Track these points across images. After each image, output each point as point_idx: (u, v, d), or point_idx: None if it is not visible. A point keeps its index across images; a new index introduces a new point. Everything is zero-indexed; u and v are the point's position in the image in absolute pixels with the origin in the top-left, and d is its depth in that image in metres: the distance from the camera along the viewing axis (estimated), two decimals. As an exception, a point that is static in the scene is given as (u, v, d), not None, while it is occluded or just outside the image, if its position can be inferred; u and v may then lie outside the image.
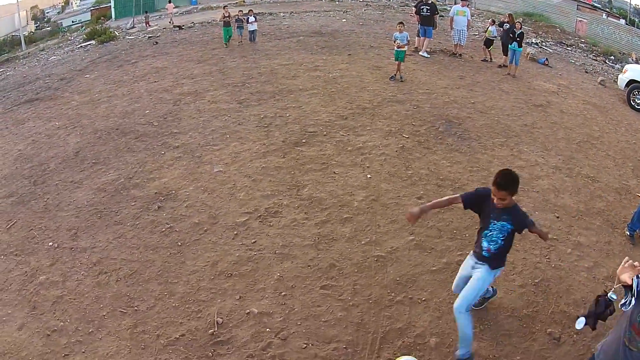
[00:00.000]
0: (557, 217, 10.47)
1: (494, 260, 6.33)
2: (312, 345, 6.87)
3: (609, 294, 4.71)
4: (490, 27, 23.03)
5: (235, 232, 9.20)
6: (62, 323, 7.35)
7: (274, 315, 7.34)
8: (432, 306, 7.65)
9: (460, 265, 7.87)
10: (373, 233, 9.22)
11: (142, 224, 9.58)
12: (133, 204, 10.24)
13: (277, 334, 7.02)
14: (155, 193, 10.51)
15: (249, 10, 25.03)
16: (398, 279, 8.12)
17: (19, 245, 9.26)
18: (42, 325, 7.34)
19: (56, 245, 9.13)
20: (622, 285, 4.47)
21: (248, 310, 7.41)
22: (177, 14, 44.40)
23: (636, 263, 4.03)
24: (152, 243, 9.01)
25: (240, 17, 24.06)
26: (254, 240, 8.96)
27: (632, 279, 4.29)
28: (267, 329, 7.10)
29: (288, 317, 7.31)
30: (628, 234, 10.31)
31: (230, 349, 6.80)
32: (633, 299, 4.30)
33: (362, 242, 8.95)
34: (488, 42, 23.01)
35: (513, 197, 6.09)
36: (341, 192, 10.47)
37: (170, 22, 38.02)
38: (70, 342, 7.02)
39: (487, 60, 22.75)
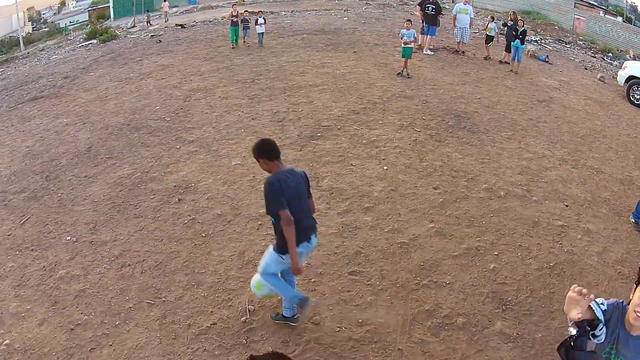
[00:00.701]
0: (567, 206, 10.96)
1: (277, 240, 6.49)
2: (344, 328, 7.19)
3: (569, 330, 4.16)
4: (490, 24, 23.40)
5: (259, 223, 9.47)
6: (85, 317, 7.38)
7: None
8: (457, 289, 8.10)
9: (479, 251, 8.45)
10: (394, 221, 9.64)
11: (164, 216, 9.78)
12: (152, 197, 10.44)
13: (310, 319, 7.28)
14: (175, 186, 10.74)
15: (259, 12, 24.65)
16: (422, 264, 8.56)
17: (34, 241, 9.30)
18: (64, 320, 7.36)
19: (74, 239, 9.19)
20: (576, 323, 3.92)
21: (279, 297, 7.54)
22: (177, 13, 44.57)
23: (584, 290, 3.66)
24: (175, 235, 9.20)
25: (246, 18, 23.97)
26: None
27: (594, 310, 3.84)
28: (299, 315, 7.35)
29: (319, 303, 7.61)
30: (633, 221, 10.86)
31: (264, 335, 6.97)
32: (604, 328, 3.94)
33: (385, 230, 9.36)
34: (488, 39, 23.42)
35: (270, 164, 6.43)
36: (360, 183, 10.86)
37: (165, 21, 38.27)
38: (96, 335, 7.06)
39: (488, 58, 23.15)
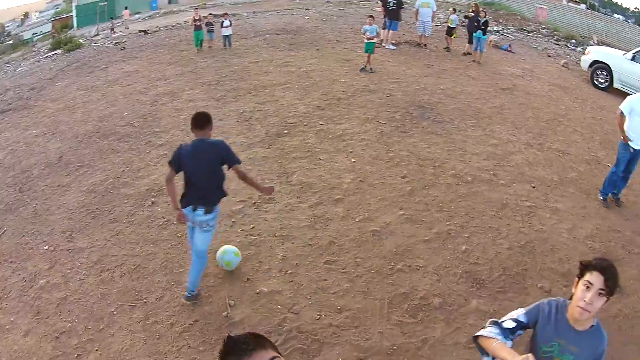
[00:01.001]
0: (534, 187, 11.31)
1: None
2: (324, 315, 7.37)
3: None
4: (451, 16, 23.67)
5: (232, 220, 9.60)
6: (69, 324, 7.40)
7: (284, 293, 7.79)
8: (430, 271, 8.33)
9: (450, 234, 8.71)
10: (365, 211, 9.85)
11: (138, 220, 9.85)
12: (126, 201, 10.50)
13: (289, 309, 7.46)
14: (147, 189, 10.80)
15: (224, 14, 24.20)
16: (395, 250, 8.77)
17: (12, 253, 9.24)
18: (49, 329, 7.36)
19: (52, 248, 9.18)
20: None
21: (258, 290, 7.81)
22: (140, 20, 44.64)
23: None
24: (151, 237, 9.28)
25: (210, 21, 23.60)
26: (252, 225, 9.39)
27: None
28: (279, 306, 7.54)
29: (297, 293, 7.79)
30: (601, 198, 11.26)
31: (247, 328, 7.00)
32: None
33: (356, 220, 9.57)
34: (450, 31, 23.73)
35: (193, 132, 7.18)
36: (329, 176, 11.05)
37: (126, 28, 38.27)
38: (82, 341, 7.08)
39: (448, 50, 23.54)
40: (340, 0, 38.75)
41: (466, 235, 9.31)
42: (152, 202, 10.33)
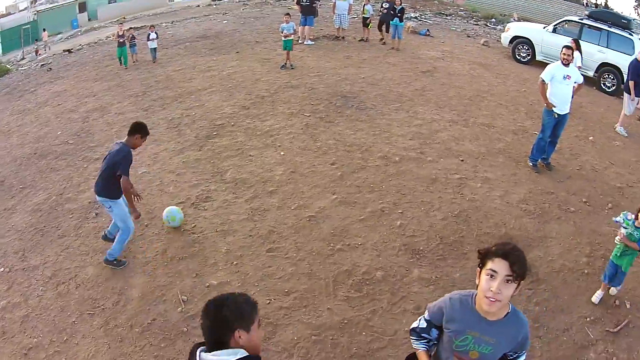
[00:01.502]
0: (462, 161, 12.24)
1: None
2: (274, 299, 8.06)
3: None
4: (366, 6, 24.38)
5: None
6: (35, 339, 7.69)
7: (233, 283, 8.40)
8: (369, 247, 9.12)
9: (383, 212, 9.52)
10: (299, 199, 10.58)
11: (85, 232, 10.24)
12: (71, 216, 10.84)
13: None
14: (89, 202, 11.14)
15: (150, 26, 24.63)
16: (332, 231, 9.53)
17: None
18: (16, 347, 7.62)
19: (7, 269, 9.40)
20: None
21: (208, 284, 8.42)
22: (63, 39, 44.40)
23: None
24: (99, 246, 9.64)
25: (133, 35, 23.62)
26: (193, 224, 9.96)
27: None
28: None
29: (245, 281, 8.43)
30: (531, 164, 12.26)
31: None
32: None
33: (292, 208, 10.28)
34: (365, 21, 24.40)
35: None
36: (261, 170, 11.71)
37: (45, 50, 38.19)
38: (49, 354, 7.43)
39: (364, 40, 24.37)
40: (257, 1, 39.27)
41: (400, 211, 10.14)
42: (96, 214, 10.74)
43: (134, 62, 22.84)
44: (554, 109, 11.59)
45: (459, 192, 10.87)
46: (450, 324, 4.00)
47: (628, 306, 8.29)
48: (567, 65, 11.48)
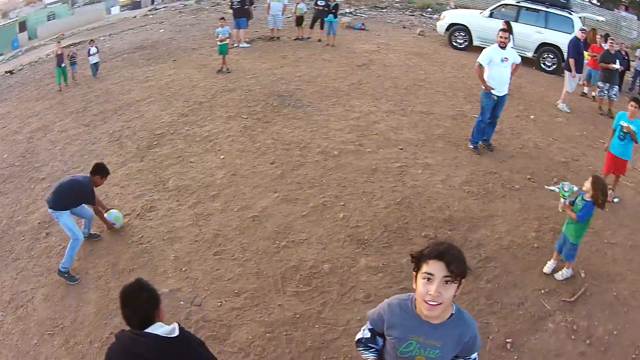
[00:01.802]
0: (401, 149, 12.67)
1: None
2: (225, 301, 8.28)
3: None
4: (299, 5, 24.85)
5: (122, 234, 10.27)
6: None
7: (183, 289, 8.61)
8: (314, 242, 9.43)
9: (326, 206, 9.82)
10: (241, 200, 10.82)
11: (37, 252, 10.26)
12: (22, 238, 10.82)
13: (192, 302, 8.29)
14: (39, 223, 11.17)
15: (90, 41, 24.06)
16: (276, 229, 9.81)
17: None
18: None
19: None
20: None
21: (160, 292, 8.52)
22: (4, 61, 43.92)
23: None
24: (52, 266, 9.67)
25: (73, 53, 23.13)
26: (140, 235, 10.11)
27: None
28: (182, 302, 8.34)
29: (196, 286, 8.64)
30: (472, 147, 12.74)
31: None
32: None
33: (235, 210, 10.52)
34: (299, 20, 24.87)
35: None
36: (202, 175, 11.92)
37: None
38: None
39: (300, 39, 24.77)
40: (192, 9, 39.31)
41: (342, 203, 10.50)
42: (47, 234, 10.76)
43: (74, 80, 22.32)
44: (492, 91, 12.03)
45: (400, 180, 11.24)
46: (391, 330, 3.89)
47: (583, 275, 8.70)
48: (504, 47, 11.94)
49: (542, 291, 8.33)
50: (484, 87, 12.15)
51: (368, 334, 4.14)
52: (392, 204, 10.37)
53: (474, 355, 3.95)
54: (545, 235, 9.67)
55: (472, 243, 9.39)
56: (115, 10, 58.63)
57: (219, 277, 8.81)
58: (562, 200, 8.28)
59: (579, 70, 17.14)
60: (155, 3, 52.20)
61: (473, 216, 10.11)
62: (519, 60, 12.42)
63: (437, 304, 3.51)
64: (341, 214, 10.11)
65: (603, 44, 18.54)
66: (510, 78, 12.35)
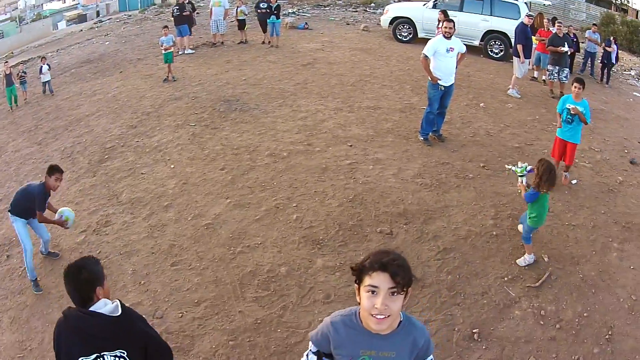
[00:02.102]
0: (351, 146, 12.64)
1: None
2: (185, 312, 8.13)
3: None
4: (240, 8, 24.74)
5: (80, 251, 10.04)
6: None
7: (144, 302, 8.44)
8: (269, 245, 9.30)
9: (278, 208, 9.73)
10: (194, 208, 10.67)
11: (0, 276, 10.13)
12: None
13: (153, 315, 8.12)
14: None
15: (42, 58, 23.84)
16: (231, 235, 9.67)
17: None
18: None
19: None
20: None
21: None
22: None
23: None
24: (15, 287, 9.60)
25: (22, 72, 22.62)
26: (98, 251, 9.90)
27: None
28: (143, 315, 8.07)
29: (156, 299, 8.49)
30: (422, 139, 12.75)
31: None
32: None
33: (189, 219, 10.37)
34: (241, 24, 24.83)
35: None
36: (154, 186, 11.77)
37: None
38: None
39: (244, 42, 24.73)
40: (137, 19, 39.05)
41: (294, 204, 10.40)
42: (8, 256, 10.58)
43: (25, 100, 21.76)
44: (439, 81, 12.01)
45: (352, 177, 11.18)
46: (340, 349, 3.67)
47: (546, 259, 8.72)
48: (449, 38, 11.93)
49: (505, 279, 8.32)
50: (430, 78, 12.13)
51: (314, 358, 3.92)
52: (345, 202, 10.31)
53: (430, 357, 3.80)
54: (503, 223, 9.67)
55: (429, 235, 9.33)
56: (62, 25, 57.86)
57: (178, 287, 8.66)
58: (519, 179, 8.32)
59: (527, 55, 17.39)
60: (100, 16, 51.67)
61: (428, 208, 10.06)
62: (464, 49, 12.45)
63: (385, 317, 3.32)
64: (294, 216, 10.01)
65: (551, 28, 18.81)
66: (457, 67, 12.36)
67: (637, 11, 41.61)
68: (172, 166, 12.50)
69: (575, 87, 10.84)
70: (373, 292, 3.26)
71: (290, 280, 8.48)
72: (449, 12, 18.02)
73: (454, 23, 12.05)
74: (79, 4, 59.21)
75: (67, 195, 12.08)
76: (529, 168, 8.37)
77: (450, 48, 11.92)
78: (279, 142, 13.06)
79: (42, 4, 60.19)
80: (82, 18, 57.12)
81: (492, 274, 8.40)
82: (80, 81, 22.33)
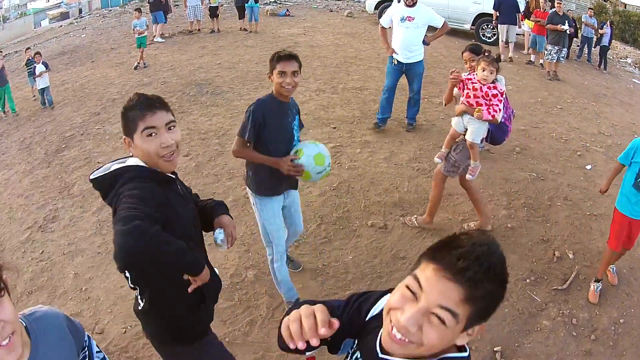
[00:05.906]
0: (334, 128, 11.28)
1: None
2: (130, 327, 6.50)
3: None
4: (214, -6, 23.49)
5: (22, 251, 8.77)
6: None
7: (84, 313, 6.91)
8: (235, 243, 7.44)
9: (248, 198, 7.87)
10: (151, 200, 9.02)
11: None
12: None
13: (93, 330, 6.55)
14: None
15: (36, 55, 17.31)
16: (194, 230, 7.97)
17: None
18: None
19: None
20: None
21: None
22: None
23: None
24: None
25: (30, 59, 17.74)
26: (41, 250, 8.61)
27: None
28: (84, 327, 6.60)
29: (97, 309, 6.93)
30: (374, 123, 11.23)
31: None
32: None
33: (144, 212, 8.72)
34: (213, 11, 23.69)
35: None
36: (110, 176, 10.25)
37: None
38: None
39: (216, 31, 23.57)
40: (116, 12, 38.76)
41: (267, 194, 8.68)
42: None
43: (33, 97, 17.79)
44: (394, 55, 10.44)
45: (336, 162, 9.66)
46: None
47: (571, 256, 7.37)
48: (411, 5, 10.07)
49: (527, 280, 6.83)
50: (387, 50, 10.67)
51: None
52: (328, 191, 8.73)
53: None
54: (518, 213, 8.20)
55: (432, 229, 7.79)
56: (45, 23, 57.81)
57: (123, 296, 6.99)
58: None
59: (502, 21, 17.94)
60: (82, 13, 50.99)
61: (428, 197, 8.30)
62: (438, 22, 10.42)
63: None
64: (266, 207, 8.28)
65: (548, 10, 18.19)
66: (426, 43, 10.53)
67: (625, 4, 41.05)
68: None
69: None
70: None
71: (259, 287, 6.75)
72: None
73: None
74: (62, 2, 58.77)
75: (19, 188, 10.87)
76: None
77: (408, 17, 10.05)
78: (252, 124, 11.47)
79: (26, 3, 59.89)
80: (64, 15, 56.93)
81: (512, 275, 6.56)
82: (51, 72, 21.27)
